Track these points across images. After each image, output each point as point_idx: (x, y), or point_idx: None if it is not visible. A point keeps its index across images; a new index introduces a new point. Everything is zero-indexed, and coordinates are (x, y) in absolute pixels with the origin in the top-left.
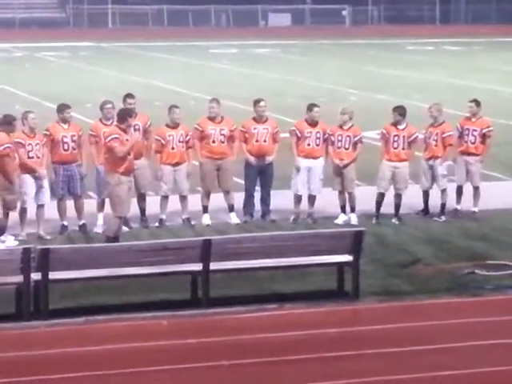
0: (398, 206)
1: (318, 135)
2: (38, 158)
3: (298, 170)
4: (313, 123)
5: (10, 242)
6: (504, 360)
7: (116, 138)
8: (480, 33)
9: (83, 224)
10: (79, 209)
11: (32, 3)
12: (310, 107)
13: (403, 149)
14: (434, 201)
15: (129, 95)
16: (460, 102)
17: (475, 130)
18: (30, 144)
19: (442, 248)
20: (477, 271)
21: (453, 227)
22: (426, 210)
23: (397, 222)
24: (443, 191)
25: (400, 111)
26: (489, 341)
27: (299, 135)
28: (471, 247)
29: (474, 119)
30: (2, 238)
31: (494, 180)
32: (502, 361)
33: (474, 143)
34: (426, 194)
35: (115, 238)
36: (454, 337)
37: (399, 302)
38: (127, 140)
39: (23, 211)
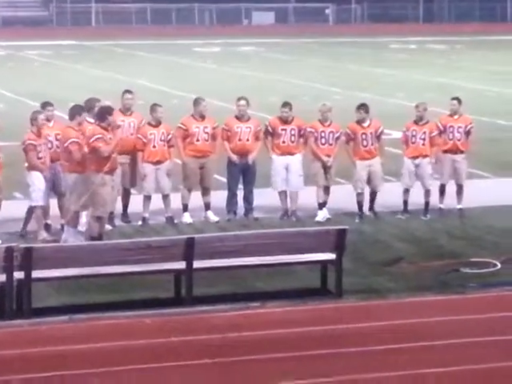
0: (372, 201)
1: (293, 132)
2: (44, 158)
3: (272, 158)
4: (286, 121)
5: None
6: (487, 357)
7: (100, 137)
8: (463, 31)
9: None
10: (63, 207)
11: (16, 2)
12: (281, 106)
13: (372, 145)
14: (414, 199)
15: (127, 91)
16: (443, 101)
17: (460, 127)
18: (40, 145)
19: (424, 246)
20: (460, 269)
21: (436, 225)
22: (405, 209)
23: (372, 216)
24: (428, 190)
25: (366, 109)
26: (472, 338)
27: (271, 131)
28: (454, 245)
29: (456, 116)
30: None
31: (477, 178)
32: (485, 358)
33: (459, 140)
34: (407, 193)
35: (98, 237)
36: (438, 334)
37: (382, 300)
38: (110, 139)
39: (42, 209)
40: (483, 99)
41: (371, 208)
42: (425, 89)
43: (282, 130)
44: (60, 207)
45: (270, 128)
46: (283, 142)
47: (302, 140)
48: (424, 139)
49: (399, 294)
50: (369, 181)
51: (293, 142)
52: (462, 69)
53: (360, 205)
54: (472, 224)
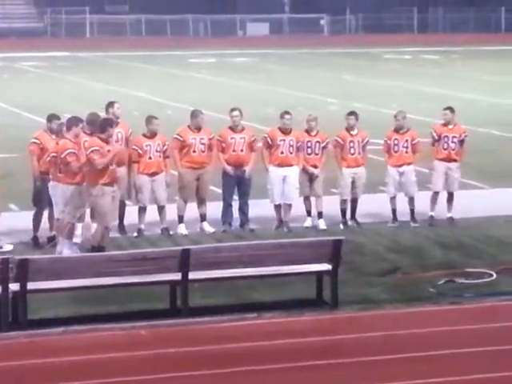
0: (354, 210)
1: (291, 143)
2: None
3: (268, 171)
4: (286, 131)
5: (7, 246)
6: (483, 368)
7: (96, 150)
8: (458, 41)
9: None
10: (53, 219)
11: (10, 13)
12: (282, 115)
13: (359, 153)
14: (406, 209)
15: (115, 102)
16: (438, 111)
17: (455, 137)
18: None
19: (419, 256)
20: (456, 279)
21: (429, 235)
22: (394, 217)
23: (355, 225)
24: (412, 198)
25: (356, 116)
26: (467, 349)
27: (270, 143)
28: (449, 255)
29: (450, 126)
30: None
31: (473, 188)
32: (480, 369)
33: (454, 150)
34: (393, 201)
35: (100, 248)
36: (433, 345)
37: (378, 310)
38: (108, 151)
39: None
40: (478, 109)
41: (353, 217)
42: (419, 99)
43: (281, 140)
44: (50, 219)
45: (269, 139)
46: (281, 152)
47: (298, 153)
48: (407, 147)
49: (395, 305)
50: (351, 188)
51: (291, 153)
52: (456, 79)
53: (343, 212)
54: (468, 234)
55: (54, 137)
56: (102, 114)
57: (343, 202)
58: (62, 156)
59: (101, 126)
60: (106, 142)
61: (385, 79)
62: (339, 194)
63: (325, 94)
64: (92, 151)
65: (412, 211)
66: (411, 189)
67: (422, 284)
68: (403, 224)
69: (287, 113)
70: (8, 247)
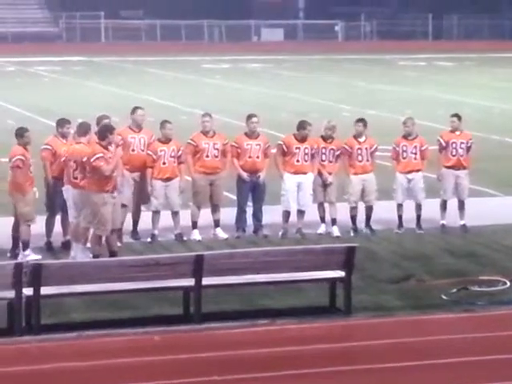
0: (369, 217)
1: (307, 151)
2: None
3: (282, 177)
4: (301, 139)
5: (32, 256)
6: (496, 376)
7: (101, 157)
8: (472, 48)
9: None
10: (68, 224)
11: (25, 18)
12: (304, 125)
13: (367, 160)
14: (409, 214)
15: (139, 107)
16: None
17: (463, 143)
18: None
19: (431, 264)
20: (469, 287)
21: (442, 243)
22: (400, 224)
23: (368, 232)
24: (420, 204)
25: (365, 123)
26: (481, 357)
27: (285, 150)
28: (462, 263)
29: (457, 133)
30: (26, 252)
31: (486, 196)
32: (494, 377)
33: (462, 156)
34: (400, 208)
35: (112, 253)
36: (447, 353)
37: (391, 317)
38: (110, 157)
39: None
40: (492, 116)
41: (367, 224)
42: (433, 106)
43: (297, 148)
44: (63, 224)
45: (284, 147)
46: (297, 160)
47: (313, 159)
48: (415, 153)
49: (408, 312)
50: (363, 196)
51: (306, 161)
52: (470, 86)
53: (353, 219)
54: (481, 242)
55: (64, 141)
56: (115, 119)
57: (353, 208)
58: (83, 160)
59: (100, 133)
60: (106, 148)
61: (399, 86)
62: (348, 201)
63: (338, 101)
64: (97, 158)
65: (418, 217)
66: (419, 195)
67: (435, 291)
68: (411, 231)
69: (309, 124)
70: (34, 257)
